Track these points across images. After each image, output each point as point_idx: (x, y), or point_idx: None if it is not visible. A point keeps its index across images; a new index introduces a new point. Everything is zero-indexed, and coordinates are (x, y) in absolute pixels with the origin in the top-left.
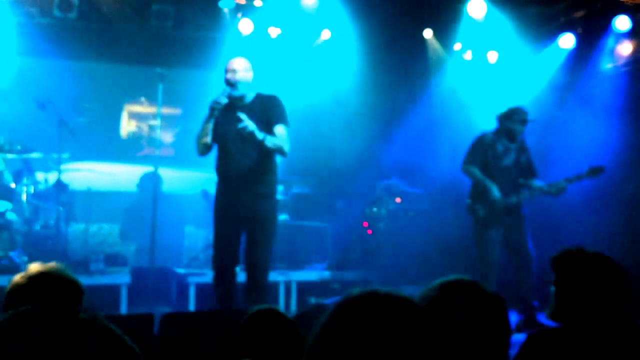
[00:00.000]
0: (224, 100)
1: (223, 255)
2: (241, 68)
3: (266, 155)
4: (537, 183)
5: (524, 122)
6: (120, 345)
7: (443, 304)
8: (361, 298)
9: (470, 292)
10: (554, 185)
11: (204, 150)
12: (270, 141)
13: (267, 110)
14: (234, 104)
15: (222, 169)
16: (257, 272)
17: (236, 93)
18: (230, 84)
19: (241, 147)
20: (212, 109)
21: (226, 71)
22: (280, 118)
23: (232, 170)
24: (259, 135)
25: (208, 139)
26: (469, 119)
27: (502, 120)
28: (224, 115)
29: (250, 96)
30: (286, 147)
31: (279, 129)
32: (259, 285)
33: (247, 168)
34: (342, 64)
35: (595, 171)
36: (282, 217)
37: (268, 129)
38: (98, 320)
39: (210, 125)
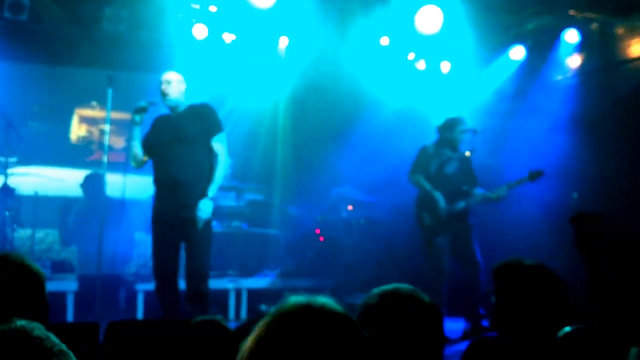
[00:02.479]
0: (143, 104)
1: (162, 263)
2: (175, 80)
3: (201, 162)
4: (479, 190)
5: (464, 131)
6: (53, 353)
7: (380, 312)
8: (295, 311)
9: (406, 300)
10: (496, 190)
11: (138, 164)
12: (218, 185)
13: (202, 119)
14: (167, 114)
15: (158, 176)
16: (195, 279)
17: (170, 103)
18: (165, 94)
19: (176, 154)
20: (132, 115)
21: (161, 83)
22: (216, 128)
23: (168, 177)
24: (210, 203)
25: (138, 152)
26: (422, 128)
27: (442, 131)
28: (158, 124)
29: (183, 106)
30: (225, 162)
31: (218, 146)
32: (198, 293)
33: (183, 175)
34: (297, 71)
35: (535, 175)
36: (235, 223)
37: (203, 137)
38: (36, 328)
39: (136, 134)
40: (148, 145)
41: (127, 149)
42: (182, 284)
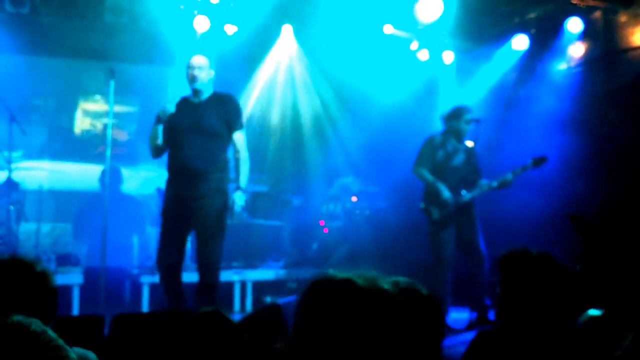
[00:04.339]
0: (171, 110)
1: (167, 252)
2: (206, 65)
3: (218, 151)
4: (484, 181)
5: (469, 121)
6: (49, 348)
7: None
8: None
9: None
10: (500, 178)
11: (157, 152)
12: (247, 177)
13: (226, 110)
14: (190, 100)
15: (174, 164)
16: (208, 271)
17: (198, 87)
18: (195, 78)
19: (194, 142)
20: (158, 118)
21: (191, 67)
22: (239, 122)
23: (184, 165)
24: (243, 195)
25: (159, 142)
26: (424, 118)
27: (448, 120)
28: (181, 109)
29: (207, 93)
30: (247, 155)
31: (238, 136)
32: (209, 284)
33: (199, 163)
34: (300, 61)
35: (538, 161)
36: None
37: (226, 128)
38: (33, 323)
39: (159, 130)
40: (168, 129)
41: (130, 142)
42: (189, 277)
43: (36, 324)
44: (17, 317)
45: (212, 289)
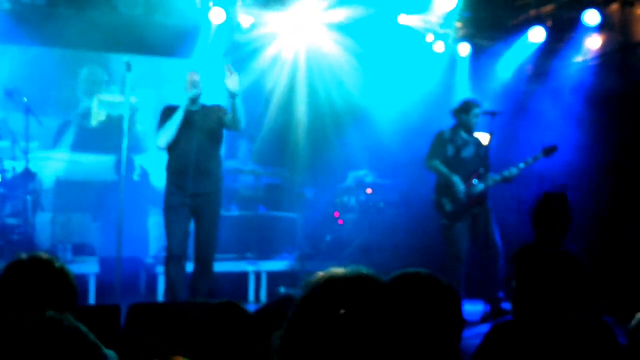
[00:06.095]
0: (199, 93)
1: (181, 244)
2: (200, 81)
3: (219, 151)
4: (492, 175)
5: (479, 115)
6: (85, 344)
7: (400, 295)
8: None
9: (425, 284)
10: (512, 168)
11: (166, 146)
12: (240, 104)
13: (217, 114)
14: (189, 109)
15: (181, 162)
16: (208, 261)
17: (197, 97)
18: (196, 88)
19: (200, 142)
20: (188, 100)
21: (193, 79)
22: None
23: (193, 163)
24: (238, 92)
25: (174, 135)
26: (439, 111)
27: (457, 114)
28: (185, 116)
29: (199, 105)
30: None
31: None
32: (209, 274)
33: (206, 162)
34: (315, 54)
35: (549, 151)
36: (253, 207)
37: (222, 132)
38: (65, 319)
39: (181, 117)
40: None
41: (163, 129)
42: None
43: (68, 320)
44: (50, 313)
45: (210, 278)
